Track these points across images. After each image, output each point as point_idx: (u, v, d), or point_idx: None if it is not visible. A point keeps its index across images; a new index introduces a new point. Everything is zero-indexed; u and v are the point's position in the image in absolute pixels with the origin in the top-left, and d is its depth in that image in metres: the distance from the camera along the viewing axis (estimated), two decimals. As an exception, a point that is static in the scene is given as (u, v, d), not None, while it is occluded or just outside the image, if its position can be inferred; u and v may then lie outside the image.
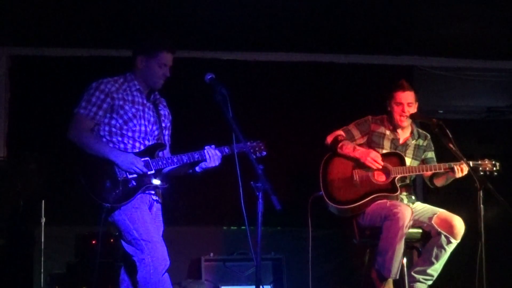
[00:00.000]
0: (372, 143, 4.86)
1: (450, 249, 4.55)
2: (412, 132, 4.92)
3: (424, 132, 5.00)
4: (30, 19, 5.62)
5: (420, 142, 4.92)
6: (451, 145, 4.32)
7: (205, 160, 3.86)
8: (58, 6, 5.36)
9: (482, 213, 4.08)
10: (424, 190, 6.40)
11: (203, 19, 5.68)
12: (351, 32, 6.07)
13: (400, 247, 4.43)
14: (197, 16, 5.62)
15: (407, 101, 4.77)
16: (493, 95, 7.02)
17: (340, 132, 4.90)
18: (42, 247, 5.25)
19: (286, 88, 6.52)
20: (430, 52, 6.60)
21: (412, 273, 4.63)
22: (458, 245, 4.59)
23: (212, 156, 3.85)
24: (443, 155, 4.83)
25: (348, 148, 4.78)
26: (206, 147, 3.88)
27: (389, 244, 4.43)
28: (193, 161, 3.87)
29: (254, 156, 3.89)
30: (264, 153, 3.96)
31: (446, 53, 6.61)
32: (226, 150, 3.88)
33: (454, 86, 6.91)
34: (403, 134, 4.90)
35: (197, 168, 3.94)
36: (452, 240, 4.52)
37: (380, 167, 4.68)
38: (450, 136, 4.31)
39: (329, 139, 4.88)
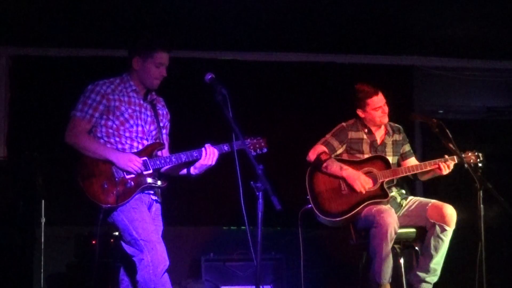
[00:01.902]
0: (351, 150, 4.80)
1: (446, 238, 4.51)
2: (386, 129, 4.90)
3: (396, 125, 4.95)
4: (30, 19, 5.62)
5: (396, 137, 4.90)
6: (451, 145, 4.32)
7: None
8: (58, 6, 5.37)
9: (482, 213, 4.08)
10: (424, 190, 6.39)
11: (203, 18, 5.68)
12: (351, 32, 6.07)
13: (387, 253, 4.41)
14: (197, 16, 5.62)
15: (383, 102, 4.78)
16: (493, 95, 7.02)
17: (322, 147, 4.79)
18: (42, 247, 5.23)
19: (286, 88, 6.51)
20: (430, 52, 6.60)
21: (417, 272, 4.61)
22: (458, 245, 4.58)
23: (209, 154, 3.83)
24: (429, 152, 4.79)
25: (334, 168, 4.68)
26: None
27: (376, 251, 4.42)
28: (191, 159, 3.85)
29: (255, 153, 3.89)
30: (265, 149, 3.95)
31: (446, 53, 6.61)
32: (226, 148, 3.87)
33: (454, 86, 6.91)
34: (379, 133, 4.87)
35: (192, 170, 3.92)
36: (446, 227, 4.49)
37: (367, 190, 4.62)
38: (450, 136, 4.31)
39: (312, 156, 4.77)
